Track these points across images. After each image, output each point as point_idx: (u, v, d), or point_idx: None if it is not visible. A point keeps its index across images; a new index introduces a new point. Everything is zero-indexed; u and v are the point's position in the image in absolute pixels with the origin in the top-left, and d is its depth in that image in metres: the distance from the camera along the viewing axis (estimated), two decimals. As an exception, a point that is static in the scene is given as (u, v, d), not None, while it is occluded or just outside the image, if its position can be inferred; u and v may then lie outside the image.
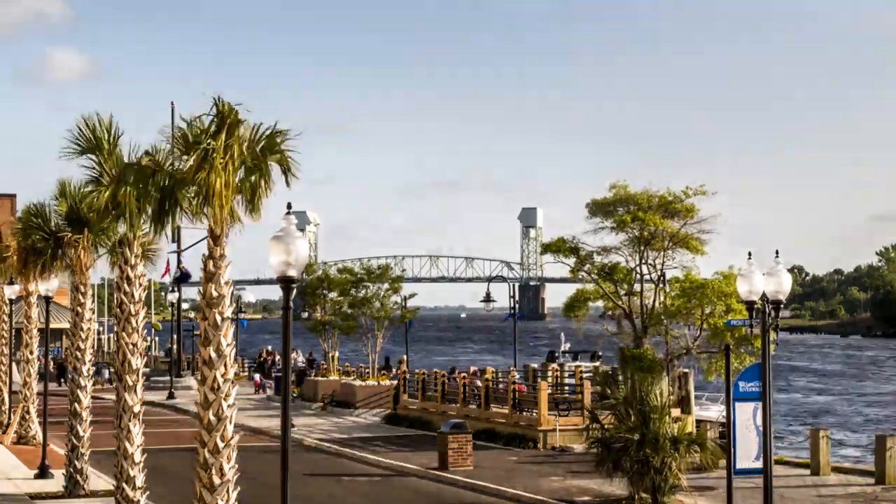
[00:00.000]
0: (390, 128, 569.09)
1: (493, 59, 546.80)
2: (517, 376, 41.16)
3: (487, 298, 55.69)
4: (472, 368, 44.79)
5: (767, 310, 19.86)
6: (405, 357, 52.79)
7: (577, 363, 51.36)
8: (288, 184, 16.46)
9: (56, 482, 26.39)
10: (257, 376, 61.60)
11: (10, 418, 37.50)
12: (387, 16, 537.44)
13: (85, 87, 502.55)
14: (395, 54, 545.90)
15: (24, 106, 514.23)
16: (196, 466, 16.85)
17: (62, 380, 58.67)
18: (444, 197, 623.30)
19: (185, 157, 16.78)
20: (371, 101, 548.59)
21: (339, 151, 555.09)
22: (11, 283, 36.00)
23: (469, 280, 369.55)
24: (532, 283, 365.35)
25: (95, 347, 66.45)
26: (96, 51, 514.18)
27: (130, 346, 21.38)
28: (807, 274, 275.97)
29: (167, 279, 68.06)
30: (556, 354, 62.11)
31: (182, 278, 64.01)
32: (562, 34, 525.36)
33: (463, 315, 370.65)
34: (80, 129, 21.20)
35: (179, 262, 64.80)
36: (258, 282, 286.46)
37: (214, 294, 16.83)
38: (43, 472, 27.76)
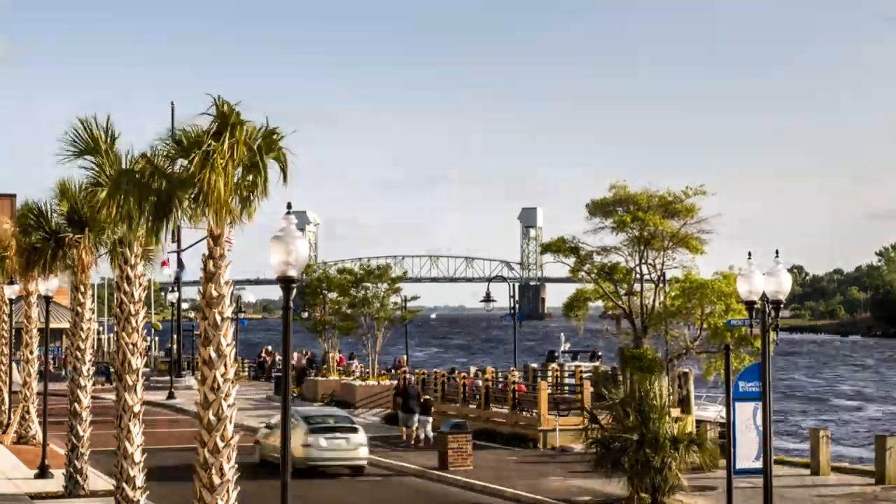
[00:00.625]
0: (389, 126, 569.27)
1: (492, 56, 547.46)
2: (517, 375, 41.19)
3: (487, 298, 55.68)
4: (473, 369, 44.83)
5: (767, 310, 19.87)
6: (405, 357, 52.84)
7: (577, 363, 51.41)
8: (286, 180, 16.44)
9: (56, 482, 26.39)
10: None
11: (10, 418, 37.52)
12: (390, 14, 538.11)
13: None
14: (393, 52, 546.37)
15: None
16: (196, 466, 16.85)
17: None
18: (443, 197, 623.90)
19: (181, 160, 16.75)
20: (368, 99, 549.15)
21: (337, 149, 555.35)
22: (11, 283, 36.01)
23: (469, 280, 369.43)
24: (532, 283, 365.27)
25: (95, 347, 66.46)
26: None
27: (130, 346, 21.39)
28: (807, 274, 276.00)
29: (167, 270, 68.09)
30: (556, 354, 62.12)
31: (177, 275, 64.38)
32: (562, 32, 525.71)
33: (433, 316, 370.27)
34: (77, 131, 21.14)
35: (179, 261, 64.90)
36: (258, 282, 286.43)
37: (214, 294, 16.82)
38: (43, 472, 27.76)
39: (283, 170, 16.40)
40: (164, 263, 66.21)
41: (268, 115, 16.47)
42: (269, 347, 74.87)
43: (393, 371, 51.64)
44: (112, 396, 23.88)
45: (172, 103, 59.54)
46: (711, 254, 37.96)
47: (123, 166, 20.01)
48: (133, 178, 17.80)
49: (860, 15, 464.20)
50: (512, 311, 54.61)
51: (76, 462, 25.07)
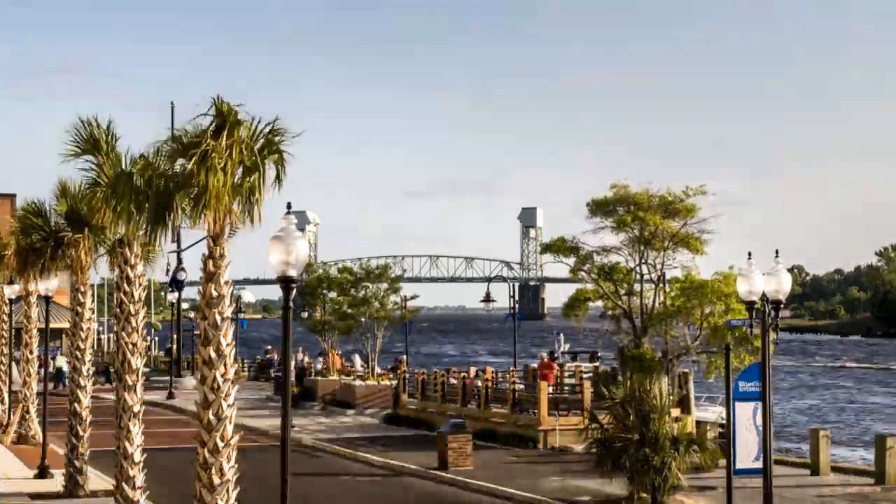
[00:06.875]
0: (389, 126, 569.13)
1: (491, 56, 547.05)
2: (517, 377, 41.15)
3: (487, 298, 55.66)
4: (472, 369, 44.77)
5: (767, 310, 19.87)
6: (405, 356, 52.76)
7: (577, 363, 51.38)
8: (280, 186, 16.30)
9: (56, 482, 26.38)
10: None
11: (10, 418, 37.50)
12: (390, 13, 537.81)
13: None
14: (391, 52, 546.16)
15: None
16: (196, 466, 16.84)
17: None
18: (443, 197, 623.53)
19: (181, 159, 16.69)
20: (367, 98, 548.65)
21: (335, 149, 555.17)
22: (11, 282, 35.98)
23: (469, 280, 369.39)
24: (532, 283, 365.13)
25: (95, 347, 66.43)
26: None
27: (130, 346, 21.37)
28: (807, 274, 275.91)
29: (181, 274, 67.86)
30: (556, 355, 62.09)
31: (176, 284, 63.72)
32: (563, 31, 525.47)
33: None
34: (79, 131, 21.17)
35: (179, 262, 64.70)
36: (258, 282, 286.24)
37: (214, 294, 16.78)
38: (43, 472, 27.75)
39: (279, 177, 16.22)
40: (168, 270, 66.05)
41: (264, 114, 16.44)
42: (270, 346, 74.91)
43: (393, 371, 51.57)
44: (112, 396, 23.87)
45: (172, 103, 59.64)
46: (713, 254, 38.03)
47: (123, 166, 19.98)
48: (130, 182, 17.75)
49: (864, 14, 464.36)
50: (512, 312, 54.57)
51: (76, 462, 25.06)
